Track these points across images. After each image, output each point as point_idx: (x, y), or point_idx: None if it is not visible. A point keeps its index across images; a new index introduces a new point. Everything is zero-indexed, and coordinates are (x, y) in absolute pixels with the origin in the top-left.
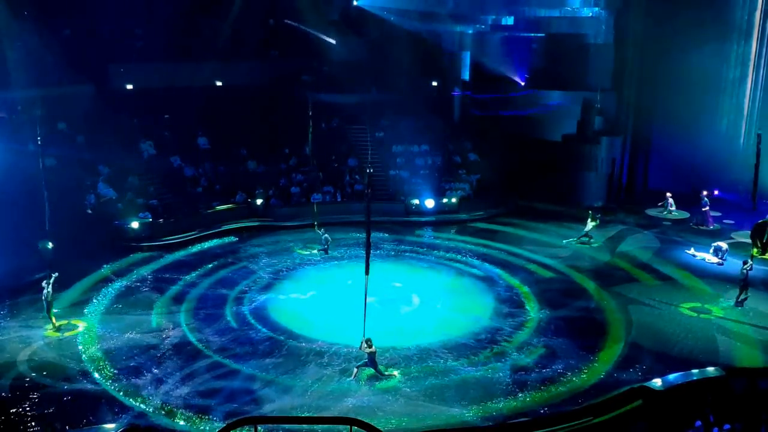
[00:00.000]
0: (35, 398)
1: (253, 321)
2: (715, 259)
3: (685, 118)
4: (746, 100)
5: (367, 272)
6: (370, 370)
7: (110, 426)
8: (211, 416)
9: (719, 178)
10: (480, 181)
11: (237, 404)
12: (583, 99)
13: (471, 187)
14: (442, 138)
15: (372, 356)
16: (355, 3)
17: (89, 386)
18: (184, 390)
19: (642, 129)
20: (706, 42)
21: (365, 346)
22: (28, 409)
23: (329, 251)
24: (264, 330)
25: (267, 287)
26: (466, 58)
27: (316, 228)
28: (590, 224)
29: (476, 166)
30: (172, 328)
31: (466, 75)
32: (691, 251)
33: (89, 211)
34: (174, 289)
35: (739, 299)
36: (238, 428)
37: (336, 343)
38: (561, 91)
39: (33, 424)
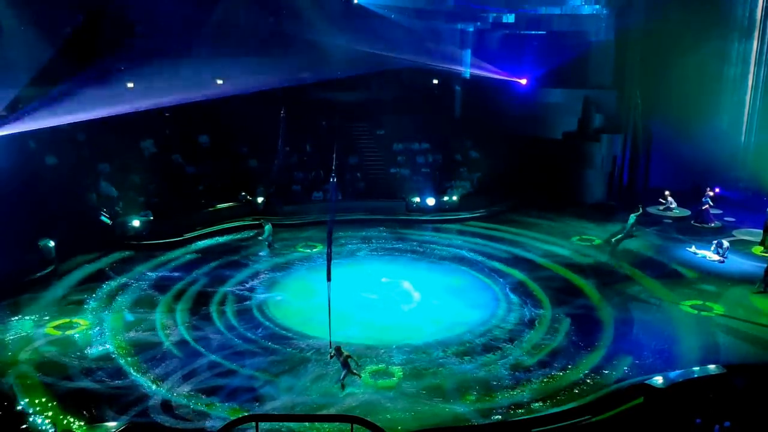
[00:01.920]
0: (37, 397)
1: (253, 319)
2: (716, 257)
3: (685, 116)
4: (747, 98)
5: (329, 279)
6: (370, 369)
7: (111, 424)
8: (212, 414)
9: (720, 175)
10: (481, 179)
11: (238, 402)
12: (584, 97)
13: (472, 185)
14: (443, 136)
15: (346, 361)
16: (355, 1)
17: (91, 384)
18: (185, 388)
19: (643, 126)
20: (707, 40)
21: (335, 354)
22: (29, 407)
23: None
24: (265, 328)
25: (268, 285)
26: (467, 55)
27: (263, 221)
28: (633, 218)
29: (477, 164)
30: (173, 326)
31: (467, 73)
32: (693, 249)
33: (91, 210)
34: (175, 287)
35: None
36: (240, 426)
37: (338, 341)
38: (562, 89)
39: (35, 422)
